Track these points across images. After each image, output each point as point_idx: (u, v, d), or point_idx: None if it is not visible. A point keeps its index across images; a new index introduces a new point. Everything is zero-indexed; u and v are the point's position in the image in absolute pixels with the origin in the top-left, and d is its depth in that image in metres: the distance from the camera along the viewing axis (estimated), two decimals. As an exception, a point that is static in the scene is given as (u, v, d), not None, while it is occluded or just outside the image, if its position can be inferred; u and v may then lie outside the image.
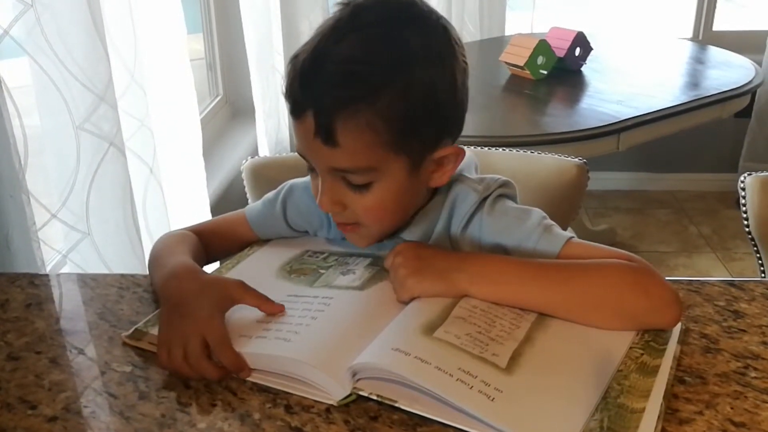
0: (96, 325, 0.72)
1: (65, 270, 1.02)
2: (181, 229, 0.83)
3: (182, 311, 0.65)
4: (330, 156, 0.66)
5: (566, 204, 1.07)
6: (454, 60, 0.68)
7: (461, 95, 0.70)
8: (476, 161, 0.79)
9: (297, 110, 0.66)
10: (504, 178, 0.75)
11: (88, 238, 0.99)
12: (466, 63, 0.70)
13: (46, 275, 0.85)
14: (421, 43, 0.65)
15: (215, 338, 0.62)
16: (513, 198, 0.75)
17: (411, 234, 0.74)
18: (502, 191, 0.74)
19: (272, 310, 0.67)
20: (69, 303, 0.79)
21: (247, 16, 1.67)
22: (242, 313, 0.67)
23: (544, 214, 0.72)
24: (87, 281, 0.82)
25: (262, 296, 0.67)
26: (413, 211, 0.74)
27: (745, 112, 2.35)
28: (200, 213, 1.38)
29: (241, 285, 0.67)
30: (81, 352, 0.68)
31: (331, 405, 0.58)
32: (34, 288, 0.80)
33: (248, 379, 0.61)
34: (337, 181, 0.68)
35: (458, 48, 0.69)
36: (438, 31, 0.68)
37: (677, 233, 2.58)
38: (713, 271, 2.33)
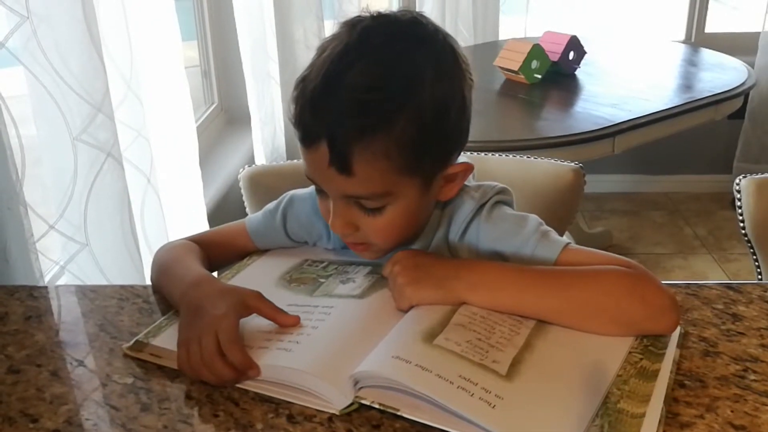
0: (96, 336, 0.72)
1: (63, 281, 1.02)
2: (182, 239, 0.83)
3: (200, 312, 0.65)
4: (344, 184, 0.66)
5: (563, 208, 1.08)
6: (462, 78, 0.68)
7: (469, 112, 0.70)
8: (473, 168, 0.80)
9: (309, 139, 0.65)
10: (501, 185, 0.75)
11: (86, 249, 0.99)
12: (472, 80, 0.70)
13: (45, 287, 0.85)
14: (430, 64, 0.65)
15: (225, 335, 0.62)
16: (510, 204, 0.76)
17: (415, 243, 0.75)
18: (499, 198, 0.74)
19: (287, 322, 0.66)
20: (69, 315, 0.79)
21: (242, 22, 1.68)
22: (244, 324, 0.67)
23: (541, 221, 0.72)
24: (86, 293, 0.82)
25: (277, 308, 0.67)
26: (423, 226, 0.74)
27: (739, 114, 2.37)
28: (198, 222, 1.38)
29: (259, 295, 0.68)
30: (81, 364, 0.68)
31: (334, 414, 0.58)
32: (34, 300, 0.80)
33: (250, 389, 0.61)
34: (349, 205, 0.68)
35: (465, 66, 0.69)
36: (446, 50, 0.68)
37: (673, 235, 2.59)
38: (709, 272, 2.34)
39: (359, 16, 0.67)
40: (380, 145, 0.63)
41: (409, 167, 0.65)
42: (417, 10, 2.73)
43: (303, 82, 0.66)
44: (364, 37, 0.65)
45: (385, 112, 0.63)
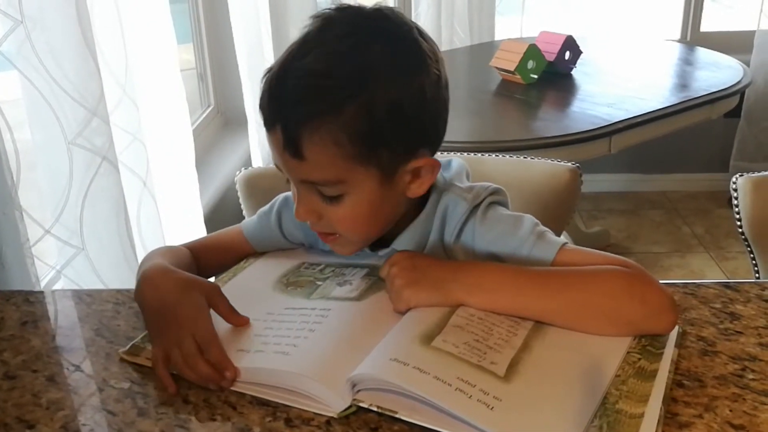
0: (92, 341, 0.72)
1: (60, 285, 1.01)
2: (177, 245, 0.83)
3: (167, 316, 0.65)
4: (299, 168, 0.66)
5: (560, 209, 1.08)
6: (423, 72, 0.67)
7: (433, 107, 0.69)
8: (467, 168, 0.79)
9: (267, 124, 0.67)
10: (495, 186, 0.75)
11: (82, 253, 0.99)
12: (438, 74, 0.68)
13: (41, 292, 0.84)
14: (386, 58, 0.65)
15: (203, 337, 0.63)
16: (505, 205, 0.75)
17: (405, 244, 0.74)
18: (494, 199, 0.74)
19: (238, 322, 0.68)
20: (65, 320, 0.78)
21: (237, 25, 1.67)
22: (241, 328, 0.67)
23: (537, 221, 0.72)
24: (82, 297, 0.81)
25: (230, 307, 0.68)
26: (395, 220, 0.73)
27: (735, 112, 2.37)
28: (194, 225, 1.38)
29: (216, 289, 0.68)
30: (78, 369, 0.67)
31: (332, 417, 0.58)
32: (29, 305, 0.79)
33: (248, 392, 0.61)
34: (311, 192, 0.68)
35: (430, 59, 0.68)
36: (407, 43, 0.67)
37: (670, 233, 2.59)
38: (707, 271, 2.34)
39: (327, 8, 0.68)
40: (329, 131, 0.64)
41: (362, 157, 0.65)
42: (413, 11, 2.72)
43: (269, 72, 0.67)
44: (324, 27, 0.66)
45: (335, 99, 0.63)
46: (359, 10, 0.68)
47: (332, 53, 0.64)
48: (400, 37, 0.67)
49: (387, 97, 0.64)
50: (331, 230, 0.71)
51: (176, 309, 0.65)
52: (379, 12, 0.68)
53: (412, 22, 0.70)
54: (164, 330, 0.65)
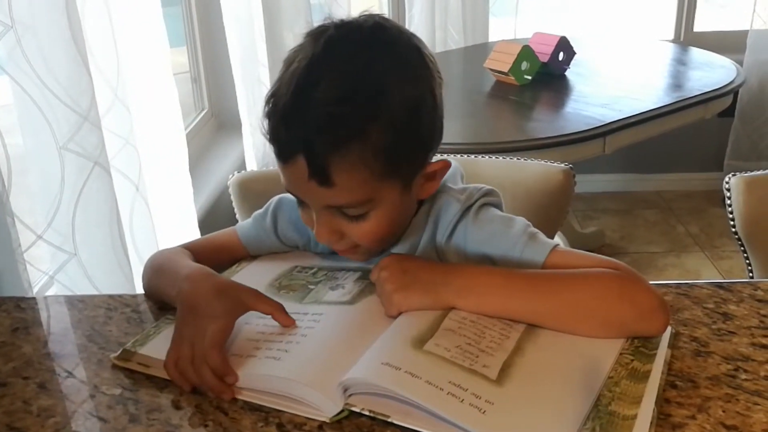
0: (84, 347, 0.71)
1: (52, 291, 1.01)
2: (175, 247, 0.83)
3: (196, 313, 0.65)
4: (326, 195, 0.66)
5: (554, 210, 1.08)
6: (430, 78, 0.68)
7: (441, 109, 0.70)
8: (461, 170, 0.80)
9: (286, 154, 0.65)
10: (488, 187, 0.75)
11: (75, 259, 0.98)
12: (441, 78, 0.70)
13: (33, 298, 0.84)
14: (398, 68, 0.65)
15: (209, 338, 0.62)
16: (498, 206, 0.75)
17: (399, 247, 0.74)
18: (486, 200, 0.74)
19: (285, 321, 0.67)
20: (57, 326, 0.78)
21: (231, 28, 1.67)
22: (236, 332, 0.67)
23: (528, 223, 0.72)
24: (75, 303, 0.81)
25: (276, 304, 0.68)
26: (408, 222, 0.74)
27: (728, 112, 2.38)
28: (188, 229, 1.37)
29: (254, 292, 0.68)
30: (69, 375, 0.67)
31: (324, 422, 0.57)
32: (21, 312, 0.79)
33: (239, 397, 0.61)
34: (333, 214, 0.68)
35: (432, 65, 0.69)
36: (412, 52, 0.68)
37: (665, 233, 2.59)
38: (702, 270, 2.35)
39: (323, 26, 0.67)
40: (357, 155, 0.63)
41: (387, 172, 0.66)
42: (406, 13, 2.73)
43: (273, 98, 0.66)
44: (328, 48, 0.65)
45: (358, 122, 0.63)
46: (358, 25, 0.67)
47: (344, 76, 0.64)
48: (403, 47, 0.67)
49: (405, 107, 0.65)
50: (351, 245, 0.71)
51: (202, 310, 0.65)
52: (376, 24, 0.67)
53: (407, 29, 0.70)
54: (184, 329, 0.65)
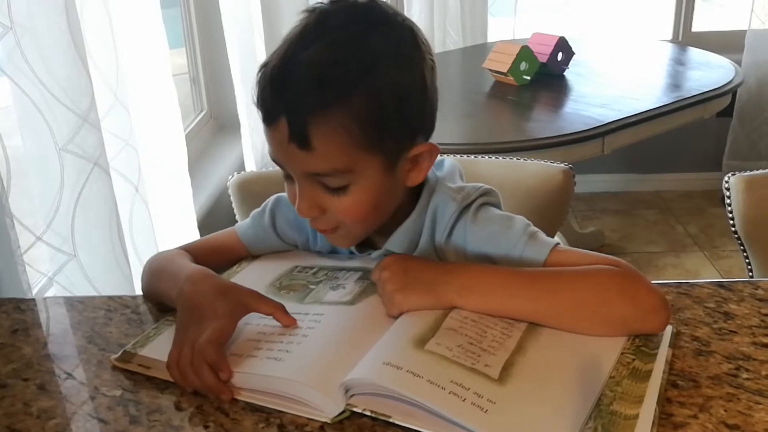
0: (84, 349, 0.71)
1: (52, 292, 1.01)
2: (174, 249, 0.83)
3: (197, 315, 0.65)
4: (305, 160, 0.66)
5: (554, 210, 1.08)
6: (422, 60, 0.68)
7: (431, 93, 0.70)
8: (460, 168, 0.79)
9: (270, 117, 0.66)
10: (486, 187, 0.75)
11: (74, 260, 0.98)
12: (433, 62, 0.70)
13: (33, 299, 0.84)
14: (388, 45, 0.66)
15: (207, 334, 0.62)
16: (497, 206, 0.75)
17: (397, 244, 0.74)
18: (485, 200, 0.74)
19: (286, 321, 0.67)
20: (56, 327, 0.78)
21: (230, 29, 1.67)
22: (237, 333, 0.66)
23: (528, 222, 0.72)
24: (74, 304, 0.81)
25: (277, 305, 0.68)
26: (393, 210, 0.73)
27: (727, 112, 2.38)
28: (187, 230, 1.37)
29: (255, 294, 0.68)
30: (69, 377, 0.67)
31: (325, 422, 0.57)
32: (21, 313, 0.79)
33: (240, 398, 0.61)
34: (314, 185, 0.68)
35: (425, 48, 0.69)
36: (404, 32, 0.68)
37: (665, 233, 2.59)
38: (702, 270, 2.35)
39: (319, 2, 0.68)
40: (338, 120, 0.63)
41: (369, 144, 0.65)
42: (405, 12, 2.73)
43: (265, 66, 0.67)
44: (322, 19, 0.66)
45: (343, 87, 0.63)
46: (353, 2, 0.68)
47: (335, 43, 0.64)
48: (397, 27, 0.68)
49: (393, 83, 0.65)
50: (333, 224, 0.71)
51: (204, 311, 0.65)
52: (372, 2, 0.68)
53: (401, 12, 0.70)
54: (186, 330, 0.65)
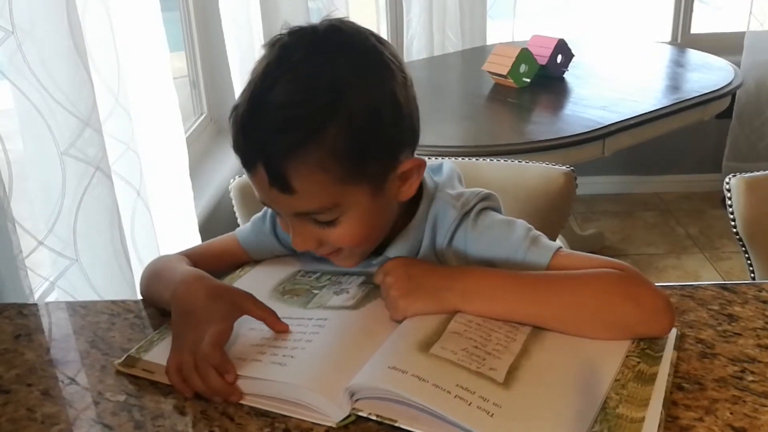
0: (87, 354, 0.71)
1: (54, 297, 1.00)
2: (174, 254, 0.82)
3: (192, 320, 0.65)
4: (290, 202, 0.65)
5: (555, 212, 1.08)
6: (390, 77, 0.66)
7: (407, 108, 0.68)
8: (459, 172, 0.79)
9: (247, 163, 0.65)
10: (485, 191, 0.74)
11: (76, 264, 0.98)
12: (404, 76, 0.68)
13: (35, 305, 0.83)
14: (352, 69, 0.64)
15: (209, 338, 0.62)
16: (497, 210, 0.75)
17: (397, 251, 0.74)
18: (485, 204, 0.73)
19: (277, 327, 0.67)
20: (59, 332, 0.77)
21: (229, 32, 1.67)
22: (238, 335, 0.66)
23: (530, 226, 0.72)
24: (77, 309, 0.81)
25: (269, 310, 0.67)
26: (391, 225, 0.73)
27: (726, 113, 2.38)
28: (189, 234, 1.37)
29: (250, 296, 0.68)
30: (73, 382, 0.66)
31: (330, 427, 0.57)
32: (23, 318, 0.79)
33: (245, 403, 0.61)
34: (305, 222, 0.67)
35: (393, 64, 0.67)
36: (368, 52, 0.66)
37: (665, 235, 2.59)
38: (702, 271, 2.35)
39: (278, 34, 0.66)
40: (314, 158, 0.62)
41: (352, 175, 0.64)
42: (404, 16, 2.73)
43: (236, 109, 0.65)
44: (282, 54, 0.64)
45: (314, 124, 0.62)
46: (311, 29, 0.66)
47: (298, 79, 0.63)
48: (359, 47, 0.66)
49: (363, 107, 0.63)
50: (334, 249, 0.71)
51: (200, 314, 0.65)
52: (331, 26, 0.66)
53: (366, 29, 0.68)
54: (184, 334, 0.64)
